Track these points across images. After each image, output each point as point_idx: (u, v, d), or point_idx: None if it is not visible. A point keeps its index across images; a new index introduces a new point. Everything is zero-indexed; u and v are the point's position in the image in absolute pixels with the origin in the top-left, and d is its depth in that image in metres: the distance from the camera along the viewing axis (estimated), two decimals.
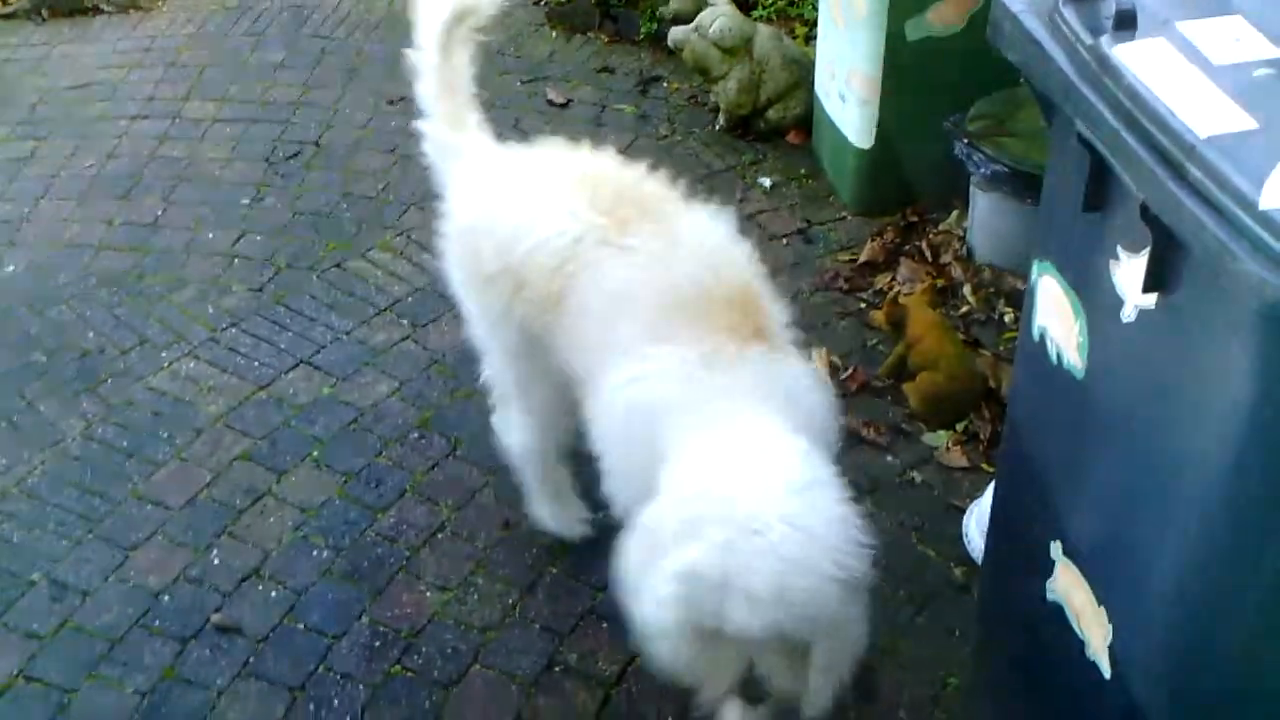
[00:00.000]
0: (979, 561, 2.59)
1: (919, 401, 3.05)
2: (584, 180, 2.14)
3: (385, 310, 3.51)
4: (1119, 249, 1.42)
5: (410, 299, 3.54)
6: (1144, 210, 1.29)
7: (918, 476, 2.90)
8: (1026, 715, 2.12)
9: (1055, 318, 1.65)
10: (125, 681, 2.50)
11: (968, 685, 2.41)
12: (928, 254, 3.53)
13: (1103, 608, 1.62)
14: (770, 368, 1.94)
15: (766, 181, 3.96)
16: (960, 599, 2.60)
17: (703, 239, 2.06)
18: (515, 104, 4.45)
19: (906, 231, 3.65)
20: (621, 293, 2.02)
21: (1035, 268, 1.71)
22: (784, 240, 3.70)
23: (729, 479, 1.71)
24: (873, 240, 3.61)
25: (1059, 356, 1.66)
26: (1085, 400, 1.60)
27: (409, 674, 2.51)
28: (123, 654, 2.56)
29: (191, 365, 3.34)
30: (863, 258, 3.57)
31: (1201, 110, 1.25)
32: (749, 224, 3.75)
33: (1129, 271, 1.41)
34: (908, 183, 3.68)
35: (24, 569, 2.76)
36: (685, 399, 1.88)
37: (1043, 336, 1.71)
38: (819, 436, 1.92)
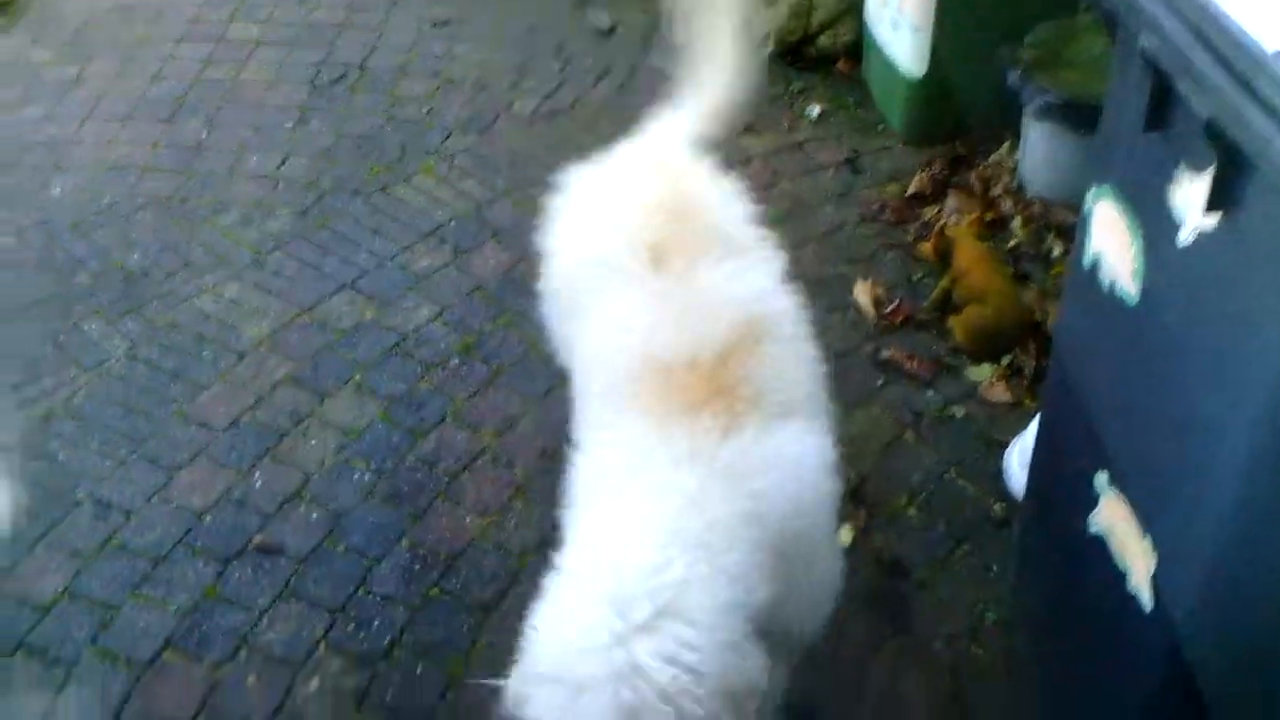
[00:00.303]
0: (1019, 497, 2.56)
1: (964, 335, 3.00)
2: (654, 205, 1.93)
3: (428, 235, 3.50)
4: (1180, 170, 1.38)
5: (453, 224, 3.53)
6: (1208, 128, 1.24)
7: (959, 411, 2.86)
8: (1065, 648, 2.10)
9: (1110, 244, 1.61)
10: (168, 600, 2.54)
11: (1006, 620, 2.40)
12: (977, 187, 3.46)
13: (1147, 538, 1.59)
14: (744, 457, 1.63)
15: (815, 110, 3.89)
16: (999, 534, 2.57)
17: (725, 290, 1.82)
18: (558, 28, 4.38)
19: (956, 163, 3.57)
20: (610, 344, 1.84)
21: (1090, 194, 1.66)
22: (830, 170, 3.64)
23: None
24: (921, 171, 3.54)
25: (1111, 285, 1.62)
26: (1137, 328, 1.56)
27: (447, 597, 2.52)
28: (165, 573, 2.60)
29: (235, 288, 3.35)
30: (911, 189, 3.50)
31: (1272, 22, 1.19)
32: (796, 152, 3.70)
33: (1189, 193, 1.37)
34: (959, 113, 3.60)
35: (69, 488, 2.79)
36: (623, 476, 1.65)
37: (1094, 265, 1.67)
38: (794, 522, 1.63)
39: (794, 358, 1.82)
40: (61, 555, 2.63)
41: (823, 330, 1.99)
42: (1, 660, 2.42)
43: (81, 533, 2.68)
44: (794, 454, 1.68)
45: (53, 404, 3.01)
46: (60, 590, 2.55)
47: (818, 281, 3.12)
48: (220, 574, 2.58)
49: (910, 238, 3.36)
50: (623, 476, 1.63)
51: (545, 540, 2.61)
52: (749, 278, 1.86)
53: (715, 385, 1.66)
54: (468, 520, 2.67)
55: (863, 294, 3.14)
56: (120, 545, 2.65)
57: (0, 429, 2.94)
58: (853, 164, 3.66)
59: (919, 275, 3.24)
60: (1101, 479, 1.72)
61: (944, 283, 3.10)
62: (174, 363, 3.12)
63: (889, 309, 3.11)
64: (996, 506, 2.63)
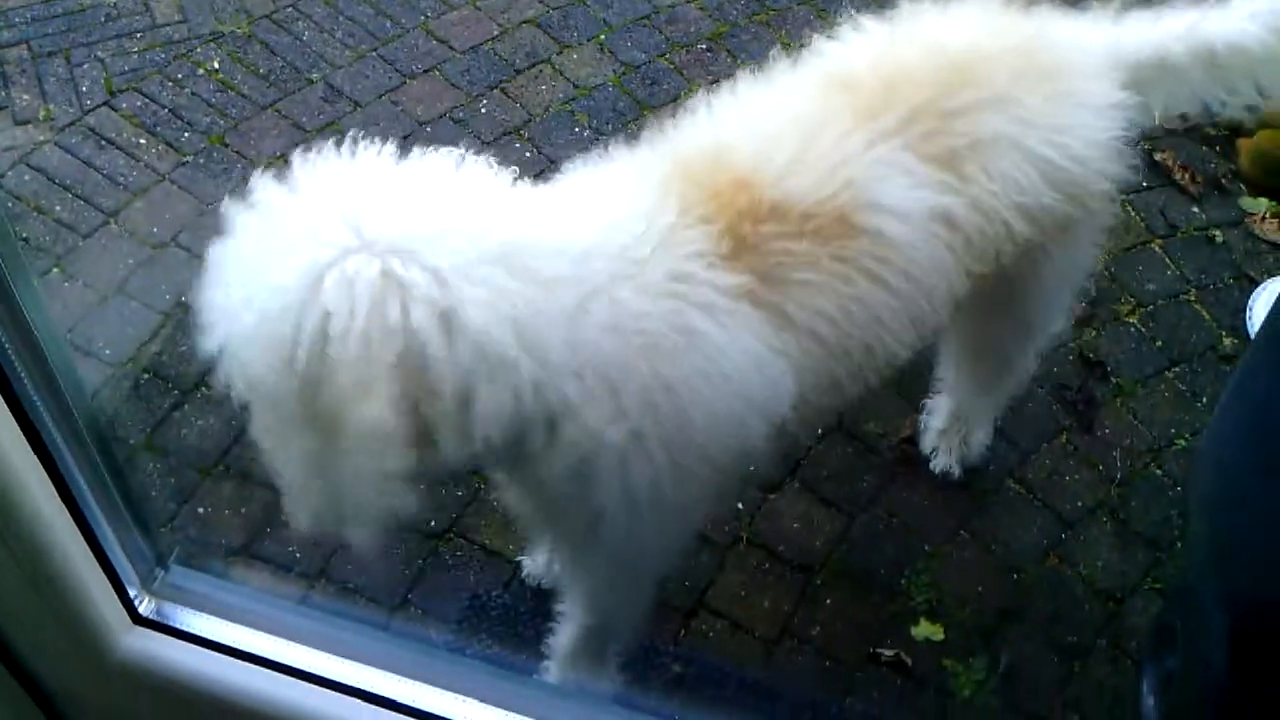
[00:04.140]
0: (1253, 339, 2.34)
1: (1250, 160, 2.70)
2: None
3: None
4: None
5: None
6: None
7: (1219, 236, 2.60)
8: (1253, 488, 1.94)
9: None
10: None
11: (1198, 451, 2.23)
12: None
13: None
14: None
15: None
16: (1219, 368, 2.37)
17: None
18: None
19: None
20: None
21: None
22: None
23: None
24: None
25: None
26: None
27: None
28: None
29: None
30: None
31: None
32: None
33: None
34: None
35: (306, 67, 2.84)
36: None
37: None
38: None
39: None
40: (286, 124, 2.69)
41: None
42: (213, 205, 2.52)
43: (309, 109, 2.73)
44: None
45: None
46: (276, 155, 2.62)
47: None
48: None
49: None
50: None
51: None
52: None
53: None
54: None
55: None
56: (341, 131, 2.68)
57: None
58: None
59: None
60: None
61: None
62: None
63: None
64: (1226, 341, 2.42)
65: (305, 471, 1.09)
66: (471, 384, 1.05)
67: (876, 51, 1.47)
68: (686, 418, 1.26)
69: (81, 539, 0.89)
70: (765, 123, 1.40)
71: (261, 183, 1.10)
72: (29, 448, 0.86)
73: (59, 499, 0.88)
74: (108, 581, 0.90)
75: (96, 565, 0.89)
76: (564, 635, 1.74)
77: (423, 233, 1.06)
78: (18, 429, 0.85)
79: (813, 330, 1.33)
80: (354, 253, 1.03)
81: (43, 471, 0.86)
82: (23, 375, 0.87)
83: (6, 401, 0.82)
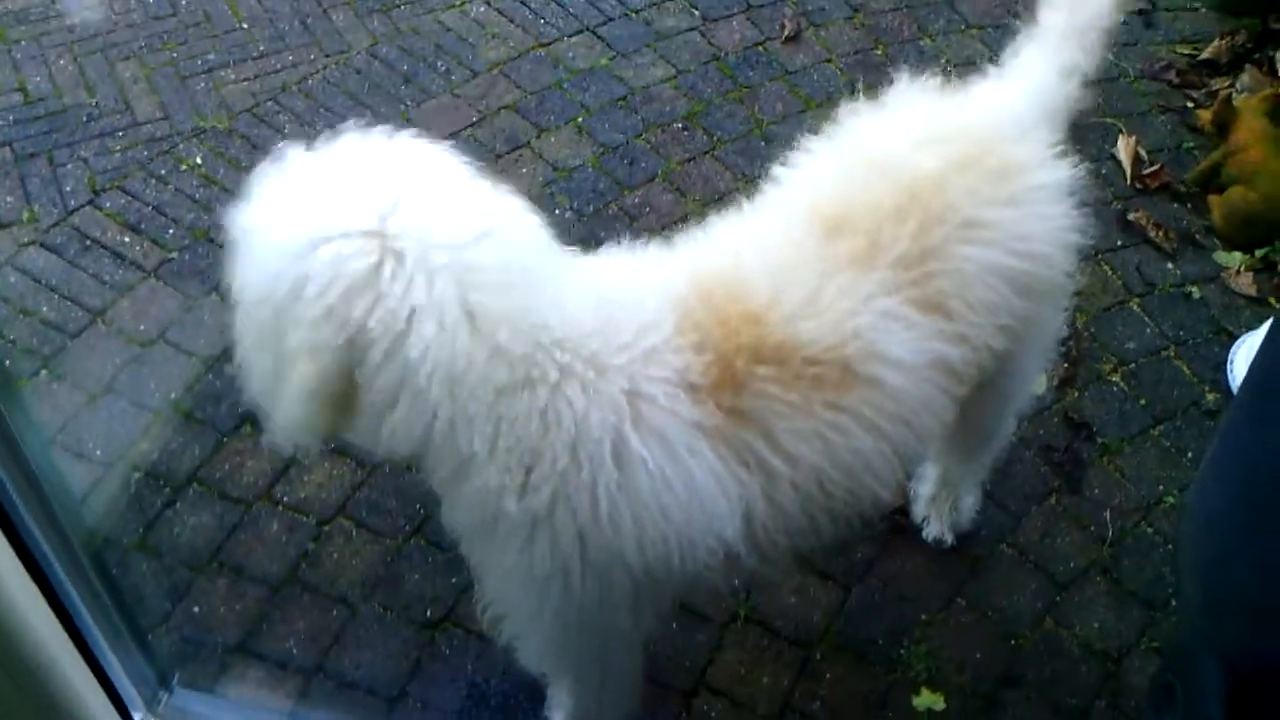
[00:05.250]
0: (1235, 392, 2.37)
1: (1223, 216, 2.75)
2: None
3: None
4: None
5: None
6: None
7: (1196, 292, 2.64)
8: (1242, 543, 1.95)
9: None
10: None
11: (1185, 507, 2.24)
12: (1279, 67, 3.12)
13: None
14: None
15: None
16: (1203, 423, 2.39)
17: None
18: None
19: (1262, 39, 3.22)
20: None
21: None
22: (1123, 18, 3.33)
23: None
24: (1221, 39, 3.21)
25: None
26: None
27: None
28: None
29: (482, 9, 3.32)
30: (1204, 54, 3.18)
31: None
32: None
33: None
34: None
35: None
36: None
37: None
38: None
39: None
40: None
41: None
42: (199, 300, 2.54)
43: None
44: None
45: (288, 79, 3.08)
46: None
47: (1078, 126, 2.89)
48: None
49: (1189, 104, 3.07)
50: None
51: None
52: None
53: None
54: None
55: (1124, 150, 2.90)
56: None
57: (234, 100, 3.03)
58: (1147, 16, 3.34)
59: (1189, 144, 2.97)
60: None
61: (1215, 156, 2.83)
62: (409, 67, 3.14)
63: (1147, 171, 2.86)
64: (1209, 396, 2.44)
65: (260, 381, 1.21)
66: (394, 396, 1.13)
67: (839, 185, 1.46)
68: (602, 522, 1.26)
69: (83, 663, 0.89)
70: (778, 260, 1.39)
71: (293, 151, 1.18)
72: (26, 574, 0.87)
73: (59, 624, 0.88)
74: (113, 707, 0.90)
75: (100, 689, 0.89)
76: None
77: (436, 240, 1.10)
78: (15, 557, 0.85)
79: (787, 474, 1.33)
80: (363, 235, 1.09)
81: (42, 599, 0.87)
82: (16, 498, 0.88)
83: (6, 533, 0.83)
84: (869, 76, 3.07)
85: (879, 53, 3.21)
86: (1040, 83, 1.63)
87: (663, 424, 1.26)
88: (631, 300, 1.31)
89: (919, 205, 1.41)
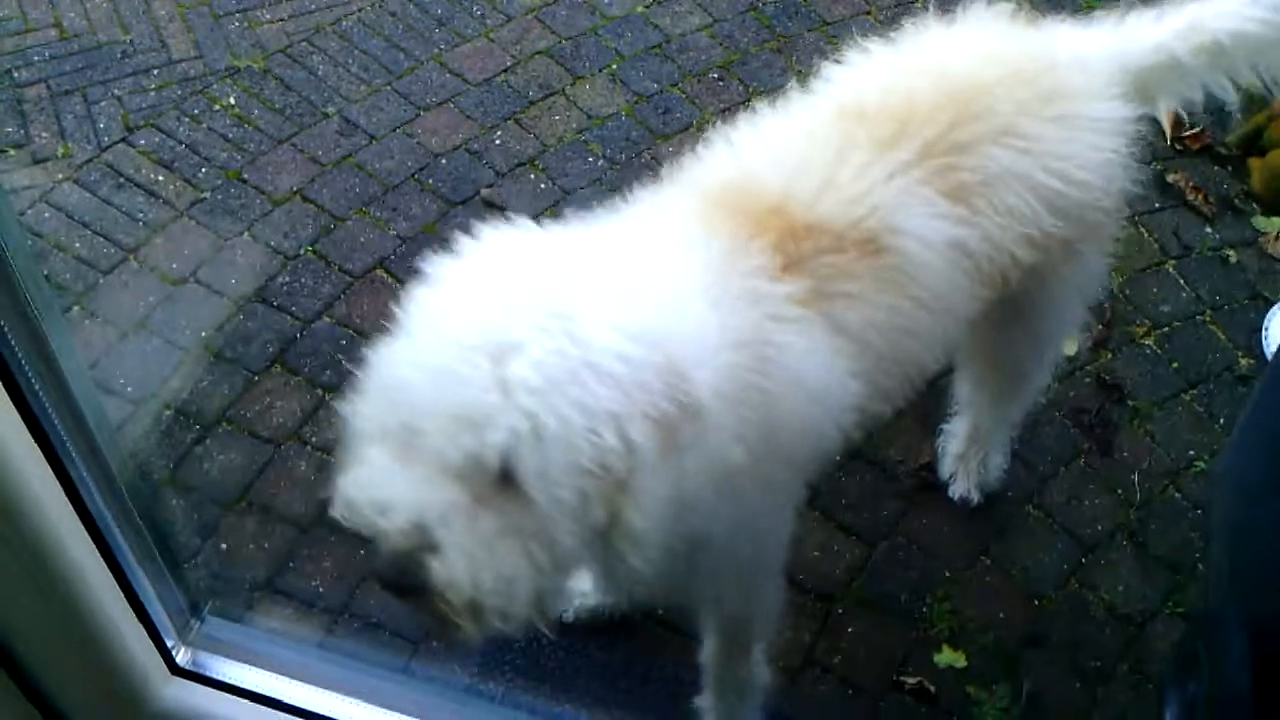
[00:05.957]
0: (1270, 359, 2.35)
1: (1263, 180, 2.71)
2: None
3: None
4: None
5: None
6: None
7: (1233, 256, 2.61)
8: (1272, 509, 1.94)
9: None
10: (390, 224, 2.60)
11: (1215, 473, 2.23)
12: None
13: None
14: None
15: None
16: (1236, 389, 2.37)
17: None
18: None
19: None
20: None
21: None
22: None
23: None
24: None
25: None
26: None
27: None
28: (393, 200, 2.66)
29: None
30: None
31: None
32: None
33: None
34: None
35: (322, 101, 2.86)
36: None
37: None
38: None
39: None
40: (302, 159, 2.72)
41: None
42: (231, 240, 2.55)
43: (325, 143, 2.75)
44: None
45: (322, 21, 3.06)
46: (294, 189, 2.64)
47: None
48: (443, 214, 2.63)
49: None
50: None
51: None
52: None
53: None
54: None
55: (1164, 110, 2.84)
56: (357, 164, 2.72)
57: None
58: None
59: (1232, 107, 2.91)
60: None
61: (1259, 118, 2.78)
62: (444, 10, 3.11)
63: (1188, 132, 2.82)
64: (1243, 361, 2.42)
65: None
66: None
67: (885, 81, 1.49)
68: (775, 426, 1.29)
69: (119, 590, 0.90)
70: (789, 153, 1.43)
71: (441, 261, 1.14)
72: (67, 501, 0.88)
73: (96, 551, 0.89)
74: (145, 633, 0.91)
75: (134, 617, 0.90)
76: (710, 654, 1.74)
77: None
78: (57, 484, 0.86)
79: (863, 337, 1.37)
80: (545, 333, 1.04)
81: (79, 523, 0.87)
82: (59, 427, 0.89)
83: (46, 456, 0.84)
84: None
85: (919, 4, 3.17)
86: (1129, 47, 1.62)
87: (778, 308, 1.30)
88: (672, 252, 1.30)
89: (961, 103, 1.43)
